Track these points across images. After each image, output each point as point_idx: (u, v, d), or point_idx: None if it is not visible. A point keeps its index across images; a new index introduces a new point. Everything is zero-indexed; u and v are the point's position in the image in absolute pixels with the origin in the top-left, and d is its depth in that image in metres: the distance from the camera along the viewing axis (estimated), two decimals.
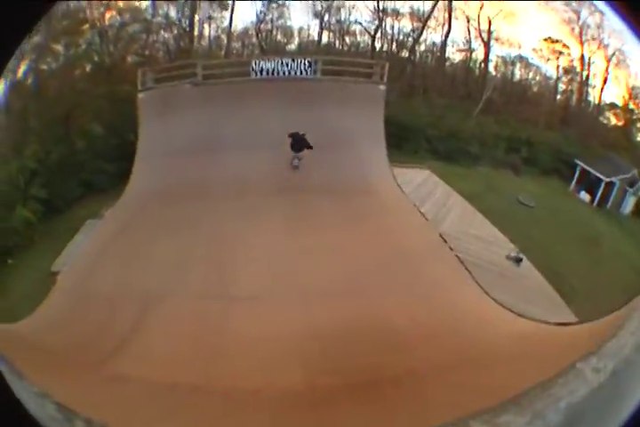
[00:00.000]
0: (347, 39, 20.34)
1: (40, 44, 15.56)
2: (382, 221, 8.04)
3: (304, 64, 11.97)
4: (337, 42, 20.41)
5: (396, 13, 19.50)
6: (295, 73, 11.83)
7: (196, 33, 18.78)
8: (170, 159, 10.28)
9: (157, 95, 11.87)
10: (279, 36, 20.18)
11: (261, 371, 4.72)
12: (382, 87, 12.03)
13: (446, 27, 19.81)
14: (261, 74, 11.76)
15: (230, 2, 18.38)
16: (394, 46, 20.19)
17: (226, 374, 4.72)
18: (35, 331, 6.15)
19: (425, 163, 14.02)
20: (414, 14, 19.59)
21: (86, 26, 16.24)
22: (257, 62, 11.86)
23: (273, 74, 11.76)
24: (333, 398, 4.22)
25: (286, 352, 5.04)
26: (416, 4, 19.40)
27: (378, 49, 20.16)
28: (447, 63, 20.62)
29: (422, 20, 19.58)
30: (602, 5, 15.53)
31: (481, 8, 19.03)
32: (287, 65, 11.89)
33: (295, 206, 8.62)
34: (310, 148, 9.89)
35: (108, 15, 16.91)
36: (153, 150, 10.72)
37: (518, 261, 8.66)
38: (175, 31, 18.20)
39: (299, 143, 9.98)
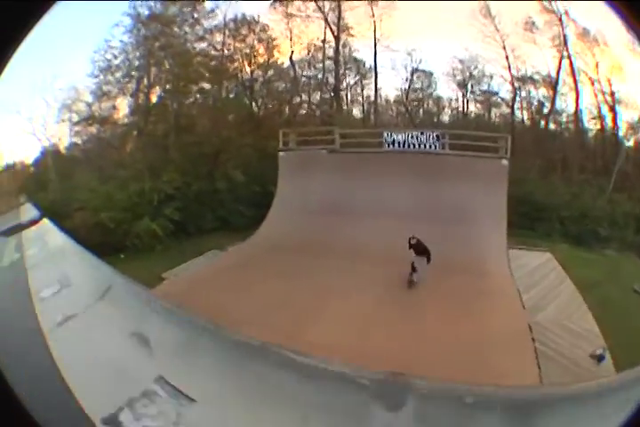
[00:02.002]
0: (493, 110, 21.73)
1: (174, 74, 19.31)
2: (476, 304, 8.63)
3: (432, 138, 13.66)
4: (486, 113, 21.90)
5: (531, 81, 20.45)
6: (424, 146, 13.59)
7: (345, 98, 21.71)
8: (300, 216, 12.48)
9: (297, 157, 14.44)
10: (427, 106, 22.26)
11: None
12: (505, 162, 12.83)
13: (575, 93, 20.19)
14: (393, 145, 13.70)
15: (373, 69, 21.36)
16: (533, 117, 21.01)
17: None
18: None
19: (555, 246, 14.17)
20: (546, 81, 20.33)
21: (228, 75, 19.67)
22: (389, 134, 13.84)
23: (403, 146, 13.66)
24: None
25: None
26: (545, 70, 20.24)
27: (519, 120, 21.19)
28: (585, 134, 20.75)
29: (553, 85, 20.25)
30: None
31: (596, 66, 19.33)
32: (416, 138, 13.69)
33: (398, 278, 9.85)
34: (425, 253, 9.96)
35: (249, 69, 20.34)
36: (287, 205, 13.10)
37: (600, 359, 8.39)
38: (322, 94, 21.16)
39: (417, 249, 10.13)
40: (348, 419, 2.18)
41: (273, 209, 13.50)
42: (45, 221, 7.24)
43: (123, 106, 20.03)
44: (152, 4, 19.66)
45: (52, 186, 18.13)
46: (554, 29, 19.79)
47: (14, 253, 5.26)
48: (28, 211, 9.55)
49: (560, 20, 19.60)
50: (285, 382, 2.35)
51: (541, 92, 20.84)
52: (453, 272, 9.89)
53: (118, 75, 19.49)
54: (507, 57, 20.32)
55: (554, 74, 20.23)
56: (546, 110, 20.89)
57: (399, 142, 13.79)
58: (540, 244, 13.92)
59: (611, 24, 17.51)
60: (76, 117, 20.03)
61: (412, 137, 13.81)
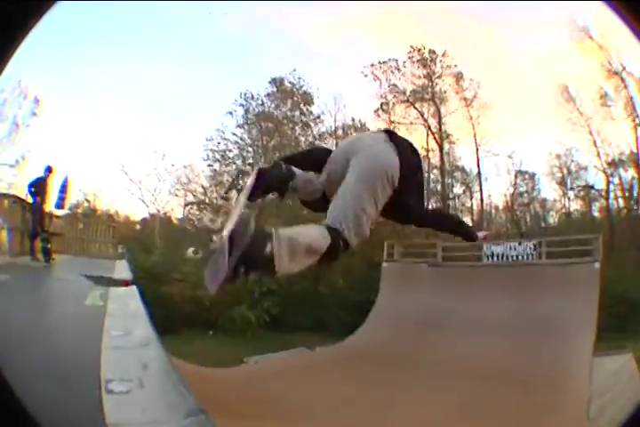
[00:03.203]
0: (593, 205, 21.38)
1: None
2: (542, 419, 8.21)
3: (529, 248, 13.84)
4: (587, 209, 21.72)
5: (620, 163, 20.13)
6: (521, 257, 13.77)
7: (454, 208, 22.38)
8: (392, 328, 12.88)
9: (399, 268, 15.20)
10: (533, 210, 22.49)
11: None
12: (597, 266, 12.44)
13: None
14: (492, 258, 14.08)
15: (477, 177, 22.22)
16: (628, 203, 20.44)
17: None
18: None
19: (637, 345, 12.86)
20: (631, 159, 19.93)
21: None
22: (488, 246, 14.19)
23: (501, 259, 13.96)
24: None
25: None
26: (627, 147, 19.85)
27: (616, 209, 20.72)
28: None
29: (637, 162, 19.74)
30: None
31: None
32: (514, 249, 13.95)
33: (471, 395, 9.23)
34: None
35: None
36: (383, 316, 13.62)
37: None
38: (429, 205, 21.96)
39: None
40: None
41: (369, 318, 14.04)
42: (134, 287, 7.75)
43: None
44: (263, 99, 22.37)
45: (156, 250, 19.51)
46: (622, 94, 20.05)
47: (98, 300, 5.89)
48: (123, 269, 10.28)
49: (622, 78, 19.78)
50: None
51: (630, 174, 20.57)
52: (531, 389, 9.43)
53: (233, 167, 22.10)
54: (594, 142, 20.54)
55: (635, 149, 19.93)
56: (636, 194, 20.44)
57: (498, 255, 14.10)
58: (627, 345, 12.76)
59: None
60: (190, 197, 22.81)
61: (510, 248, 14.07)
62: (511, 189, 22.40)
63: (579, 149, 21.37)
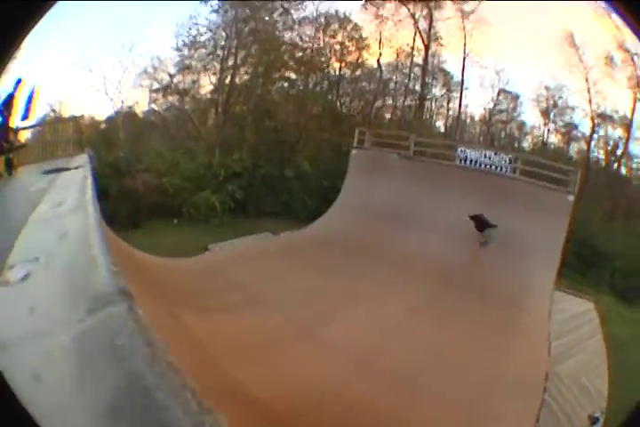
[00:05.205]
0: (572, 144, 21.24)
1: (259, 59, 19.64)
2: (501, 340, 8.25)
3: (505, 160, 13.49)
4: (565, 146, 21.49)
5: (610, 119, 19.75)
6: (495, 167, 13.47)
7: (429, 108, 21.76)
8: (357, 216, 12.74)
9: (368, 156, 14.61)
10: (510, 129, 22.04)
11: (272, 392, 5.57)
12: (571, 198, 12.30)
13: None
14: (465, 162, 13.66)
15: (460, 84, 21.28)
16: (608, 157, 20.31)
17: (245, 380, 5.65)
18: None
19: (599, 297, 13.16)
20: (623, 121, 19.64)
21: (314, 68, 19.90)
22: (463, 150, 13.83)
23: (474, 164, 13.58)
24: None
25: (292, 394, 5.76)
26: (622, 110, 19.56)
27: (594, 159, 20.74)
28: None
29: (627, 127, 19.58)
30: None
31: None
32: (489, 158, 13.56)
33: (432, 296, 9.42)
34: (493, 226, 11.50)
35: (337, 65, 20.49)
36: (348, 203, 13.37)
37: (594, 422, 7.94)
38: (406, 101, 21.37)
39: (481, 224, 11.58)
40: None
41: (335, 205, 13.80)
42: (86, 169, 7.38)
43: (204, 82, 20.87)
44: None
45: (120, 144, 18.82)
46: (629, 69, 19.23)
47: (44, 185, 5.71)
48: (81, 159, 9.67)
49: (632, 60, 19.01)
50: None
51: (617, 133, 20.28)
52: (493, 301, 9.62)
53: (203, 51, 20.27)
54: (588, 89, 19.85)
55: (629, 115, 19.57)
56: (619, 153, 20.31)
57: (471, 160, 13.74)
58: (587, 291, 13.22)
59: None
60: (156, 85, 20.96)
61: (484, 156, 13.70)
62: (491, 104, 21.70)
63: (570, 89, 20.56)
